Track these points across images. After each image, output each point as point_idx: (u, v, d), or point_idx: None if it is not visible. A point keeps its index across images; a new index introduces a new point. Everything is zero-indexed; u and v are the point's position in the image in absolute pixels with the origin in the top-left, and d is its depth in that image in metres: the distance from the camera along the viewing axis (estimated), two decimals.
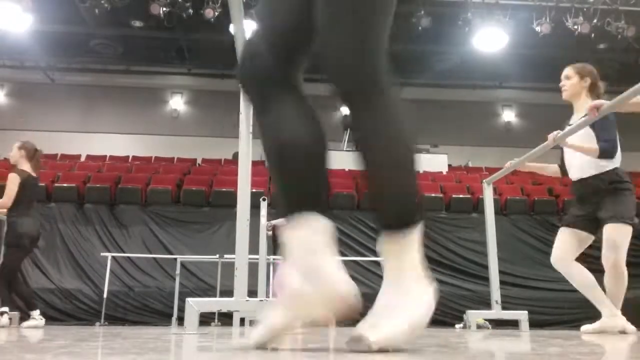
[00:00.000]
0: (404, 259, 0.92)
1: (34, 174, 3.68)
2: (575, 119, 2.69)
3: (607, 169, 2.55)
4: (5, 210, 3.57)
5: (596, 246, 2.68)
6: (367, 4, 0.90)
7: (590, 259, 2.81)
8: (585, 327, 2.64)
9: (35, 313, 3.53)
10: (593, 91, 2.67)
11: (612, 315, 2.52)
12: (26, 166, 3.65)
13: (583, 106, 2.63)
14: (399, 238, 0.92)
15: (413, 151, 0.96)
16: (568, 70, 2.70)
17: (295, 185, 0.95)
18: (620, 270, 2.49)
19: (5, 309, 3.53)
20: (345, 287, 0.88)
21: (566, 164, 2.75)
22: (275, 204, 0.91)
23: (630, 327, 2.53)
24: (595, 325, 2.57)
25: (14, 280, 3.49)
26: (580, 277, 2.60)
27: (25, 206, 3.53)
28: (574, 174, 2.67)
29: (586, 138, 2.56)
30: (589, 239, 2.65)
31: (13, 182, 3.48)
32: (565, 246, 2.65)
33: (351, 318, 0.88)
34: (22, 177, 3.54)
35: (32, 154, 3.70)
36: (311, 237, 0.92)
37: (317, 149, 0.97)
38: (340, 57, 0.92)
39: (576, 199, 2.70)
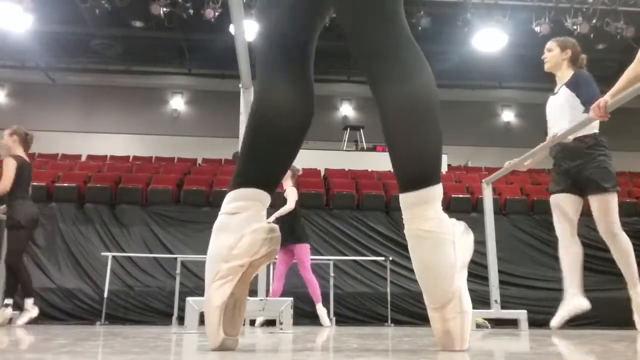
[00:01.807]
0: (433, 212, 0.91)
1: (27, 159, 3.71)
2: (557, 87, 2.77)
3: (586, 133, 2.59)
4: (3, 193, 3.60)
5: (596, 246, 2.69)
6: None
7: (587, 259, 2.83)
8: (553, 322, 2.67)
9: (29, 302, 3.52)
10: (575, 62, 2.73)
11: (573, 295, 2.61)
12: (20, 151, 3.68)
13: (564, 76, 2.72)
14: (415, 196, 0.90)
15: (437, 103, 0.96)
16: (549, 44, 2.80)
17: (261, 159, 0.95)
18: (619, 237, 2.50)
19: (10, 301, 3.55)
20: (262, 226, 0.91)
21: (549, 127, 2.79)
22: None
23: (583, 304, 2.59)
24: (559, 313, 2.62)
25: (20, 263, 3.50)
26: (566, 253, 2.67)
27: (22, 189, 3.57)
28: (555, 131, 2.69)
29: (571, 104, 2.61)
30: (579, 201, 2.67)
31: (11, 167, 3.52)
32: (562, 216, 2.68)
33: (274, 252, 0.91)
34: (18, 161, 3.58)
35: (24, 137, 3.74)
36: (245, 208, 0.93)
37: (297, 133, 0.98)
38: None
39: (556, 161, 2.75)
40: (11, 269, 3.48)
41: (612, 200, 2.52)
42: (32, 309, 3.53)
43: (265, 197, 0.95)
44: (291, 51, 0.99)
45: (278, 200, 4.23)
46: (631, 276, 2.50)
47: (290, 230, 4.12)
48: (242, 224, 0.92)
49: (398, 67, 0.92)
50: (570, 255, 2.68)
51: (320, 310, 4.38)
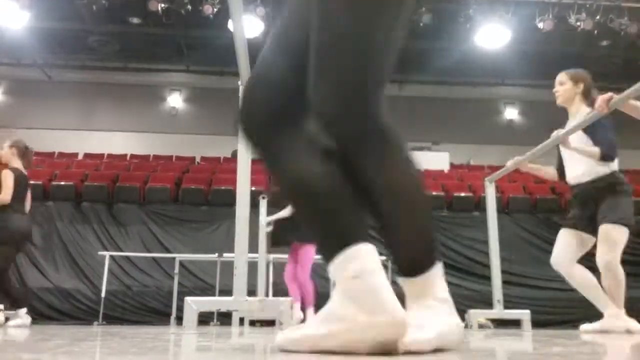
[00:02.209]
0: (428, 294, 0.91)
1: (25, 172, 3.68)
2: (570, 124, 2.71)
3: (606, 173, 2.55)
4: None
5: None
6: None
7: (589, 258, 2.78)
8: (584, 327, 2.63)
9: (22, 312, 3.49)
10: (587, 97, 2.68)
11: (613, 316, 2.51)
12: (17, 164, 3.66)
13: (577, 111, 2.67)
14: (420, 281, 0.91)
15: (422, 193, 0.94)
16: (561, 76, 2.73)
17: (330, 224, 0.88)
18: (614, 271, 2.47)
19: (0, 306, 3.53)
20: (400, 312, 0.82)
21: (565, 168, 2.75)
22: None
23: (636, 327, 2.51)
24: (596, 324, 2.56)
25: (2, 278, 3.44)
26: (581, 278, 2.59)
27: (18, 203, 3.54)
28: (572, 178, 2.68)
29: (581, 144, 2.57)
30: (590, 240, 2.63)
31: (9, 179, 3.49)
32: (566, 248, 2.65)
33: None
34: (15, 174, 3.56)
35: (23, 151, 3.71)
36: (365, 265, 0.87)
37: (336, 184, 0.90)
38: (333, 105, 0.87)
39: (575, 201, 2.71)
40: None
41: (617, 232, 2.47)
42: (24, 318, 3.48)
43: None
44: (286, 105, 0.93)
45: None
46: (618, 301, 2.49)
47: (296, 230, 4.06)
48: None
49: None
50: (574, 278, 2.61)
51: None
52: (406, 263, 0.93)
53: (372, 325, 0.78)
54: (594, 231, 2.59)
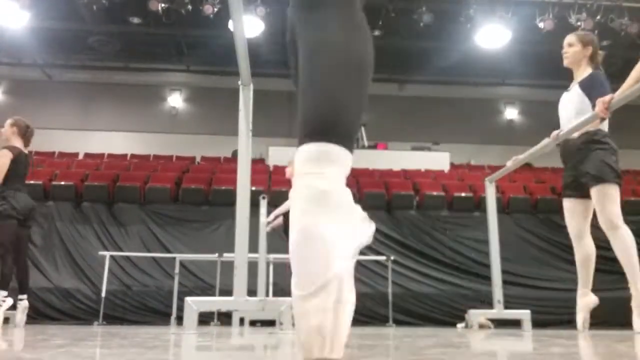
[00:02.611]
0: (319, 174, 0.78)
1: (25, 151, 3.68)
2: (574, 84, 2.74)
3: (590, 129, 2.55)
4: None
5: (599, 245, 2.64)
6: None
7: (602, 261, 2.78)
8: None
9: (2, 294, 3.47)
10: (593, 60, 2.70)
11: (582, 295, 2.62)
12: (18, 142, 3.66)
13: (582, 73, 2.68)
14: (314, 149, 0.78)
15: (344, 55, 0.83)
16: (571, 38, 2.74)
17: (355, 105, 0.82)
18: (620, 231, 2.44)
19: (24, 296, 3.54)
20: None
21: (561, 124, 2.77)
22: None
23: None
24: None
25: (6, 254, 3.44)
26: (578, 252, 2.67)
27: (18, 181, 3.54)
28: (563, 133, 2.70)
29: (580, 104, 2.58)
30: (587, 203, 2.62)
31: (5, 158, 3.49)
32: (569, 218, 2.68)
33: None
34: (14, 153, 3.55)
35: (24, 130, 3.71)
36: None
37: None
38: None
39: (562, 161, 2.74)
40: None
41: (611, 190, 2.45)
42: (1, 300, 3.46)
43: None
44: None
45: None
46: (632, 273, 2.43)
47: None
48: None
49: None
50: (578, 256, 2.69)
51: None
52: (302, 125, 0.79)
53: None
54: (586, 192, 2.57)
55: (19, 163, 3.54)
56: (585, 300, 2.64)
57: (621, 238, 2.42)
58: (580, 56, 2.67)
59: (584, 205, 2.62)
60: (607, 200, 2.44)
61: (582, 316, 2.64)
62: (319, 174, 0.75)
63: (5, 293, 3.47)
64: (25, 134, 3.69)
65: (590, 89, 2.55)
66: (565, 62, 2.73)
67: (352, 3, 0.88)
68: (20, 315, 3.51)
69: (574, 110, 2.61)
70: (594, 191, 2.48)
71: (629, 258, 2.42)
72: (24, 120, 3.75)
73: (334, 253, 0.72)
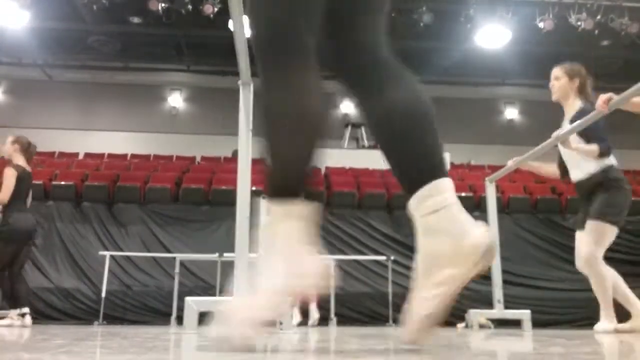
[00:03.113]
0: (435, 210, 0.92)
1: (28, 169, 3.66)
2: (566, 119, 2.72)
3: (601, 169, 2.56)
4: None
5: (615, 249, 2.66)
6: None
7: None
8: (618, 326, 2.59)
9: (14, 313, 3.47)
10: (582, 91, 2.69)
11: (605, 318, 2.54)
12: (20, 160, 3.65)
13: (572, 107, 2.68)
14: (423, 194, 0.93)
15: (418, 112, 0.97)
16: (557, 71, 2.73)
17: (299, 164, 0.92)
18: (595, 269, 2.49)
19: (26, 309, 3.51)
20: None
21: (567, 166, 2.77)
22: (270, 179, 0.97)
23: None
24: (627, 325, 2.56)
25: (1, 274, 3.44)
26: (604, 277, 2.59)
27: (21, 201, 3.54)
28: (573, 175, 2.71)
29: (576, 139, 2.59)
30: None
31: (10, 177, 3.48)
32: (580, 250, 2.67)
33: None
34: (18, 171, 3.54)
35: (26, 147, 3.70)
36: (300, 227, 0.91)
37: (324, 130, 0.95)
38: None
39: (578, 200, 2.75)
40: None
41: (604, 230, 2.48)
42: (16, 319, 3.47)
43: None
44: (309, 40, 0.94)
45: None
46: (605, 302, 2.51)
47: None
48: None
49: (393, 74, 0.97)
50: (599, 276, 2.60)
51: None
52: (407, 179, 0.94)
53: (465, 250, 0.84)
54: None
55: (22, 182, 3.53)
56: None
57: (597, 278, 2.49)
58: (568, 89, 2.67)
59: None
60: (597, 238, 2.48)
61: None
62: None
63: (17, 311, 3.46)
64: (27, 150, 3.68)
65: (593, 133, 2.52)
66: (553, 97, 2.73)
67: (283, 66, 0.91)
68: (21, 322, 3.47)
69: (574, 152, 2.59)
70: (589, 224, 2.52)
71: (603, 294, 2.50)
72: (26, 137, 3.74)
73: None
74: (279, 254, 0.90)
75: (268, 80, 0.92)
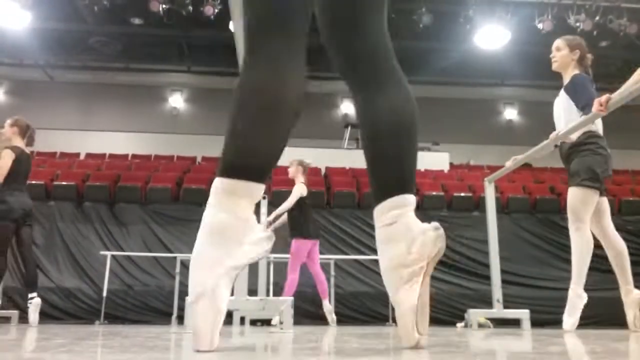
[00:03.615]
0: (404, 221, 0.97)
1: (27, 151, 3.67)
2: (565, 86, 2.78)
3: (584, 135, 2.59)
4: None
5: (596, 244, 2.67)
6: None
7: (600, 260, 2.80)
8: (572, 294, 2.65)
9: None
10: (581, 63, 2.73)
11: (628, 292, 2.56)
12: (19, 142, 3.65)
13: (569, 77, 2.71)
14: (387, 205, 0.97)
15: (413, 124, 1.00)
16: (559, 42, 2.78)
17: (259, 145, 0.91)
18: (576, 234, 2.51)
19: (34, 294, 3.52)
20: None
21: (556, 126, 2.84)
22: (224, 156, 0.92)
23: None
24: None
25: (3, 254, 3.46)
26: (608, 249, 2.63)
27: (19, 181, 3.54)
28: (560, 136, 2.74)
29: (567, 107, 2.63)
30: (601, 199, 2.63)
31: (7, 158, 3.49)
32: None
33: None
34: (16, 152, 3.55)
35: (25, 130, 3.70)
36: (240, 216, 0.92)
37: (296, 115, 0.94)
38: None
39: (563, 162, 2.79)
40: None
41: (582, 194, 2.50)
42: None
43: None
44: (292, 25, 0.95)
45: (282, 198, 4.22)
46: (578, 274, 2.55)
47: (290, 225, 4.18)
48: None
49: (388, 75, 0.99)
50: (609, 254, 2.65)
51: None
52: (375, 188, 0.98)
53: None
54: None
55: (21, 163, 3.54)
56: (632, 297, 2.57)
57: (578, 241, 2.51)
58: (568, 60, 2.71)
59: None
60: (576, 202, 2.51)
61: (632, 313, 2.57)
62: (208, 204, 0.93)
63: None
64: (26, 133, 3.69)
65: (573, 93, 2.60)
66: (553, 66, 2.77)
67: (251, 47, 0.93)
68: (34, 314, 3.49)
69: (563, 114, 2.66)
70: (569, 191, 2.55)
71: (578, 259, 2.52)
72: (24, 120, 3.74)
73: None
74: (220, 230, 0.92)
75: (244, 61, 0.95)
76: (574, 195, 2.53)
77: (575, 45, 2.72)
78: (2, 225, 3.44)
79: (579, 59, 2.71)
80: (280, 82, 0.92)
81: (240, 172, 0.90)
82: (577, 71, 2.69)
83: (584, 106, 2.49)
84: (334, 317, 4.57)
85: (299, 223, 4.29)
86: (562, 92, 2.70)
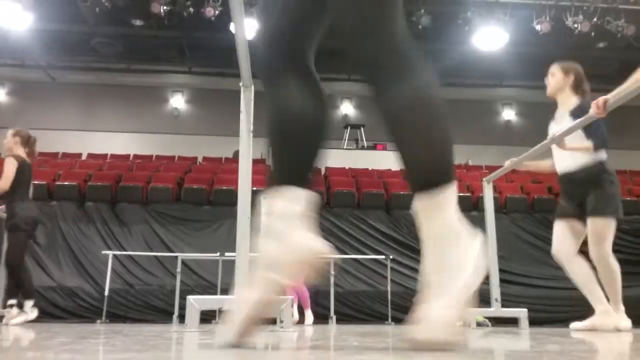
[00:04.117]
0: (441, 218, 0.89)
1: (28, 160, 3.69)
2: (559, 113, 2.78)
3: (592, 163, 2.60)
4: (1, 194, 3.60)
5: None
6: None
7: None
8: (574, 325, 2.68)
9: (29, 304, 3.48)
10: (577, 87, 2.73)
11: (604, 313, 2.55)
12: (21, 152, 3.67)
13: (567, 101, 2.72)
14: (429, 199, 0.89)
15: (442, 108, 0.95)
16: (553, 68, 2.80)
17: (287, 160, 1.00)
18: (605, 263, 2.52)
19: (14, 301, 3.53)
20: (311, 246, 0.90)
21: (554, 159, 2.82)
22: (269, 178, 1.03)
23: (626, 325, 2.54)
24: (586, 322, 2.61)
25: (21, 264, 3.47)
26: (579, 271, 2.64)
27: (23, 190, 3.55)
28: (563, 165, 2.73)
29: (575, 136, 2.62)
30: (583, 230, 2.67)
31: (11, 166, 3.49)
32: (562, 238, 2.70)
33: (316, 278, 0.89)
34: (18, 161, 3.56)
35: (27, 140, 3.72)
36: (286, 206, 0.95)
37: (316, 129, 1.01)
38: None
39: (563, 191, 2.77)
40: (12, 270, 3.46)
41: (608, 226, 2.54)
42: (30, 312, 3.48)
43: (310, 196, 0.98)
44: (292, 48, 1.00)
45: None
46: (615, 295, 2.55)
47: None
48: (287, 231, 0.92)
49: (404, 64, 0.94)
50: (573, 270, 2.66)
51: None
52: (414, 177, 0.91)
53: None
54: (584, 221, 2.63)
55: (24, 173, 3.55)
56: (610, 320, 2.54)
57: (608, 272, 2.53)
58: (562, 84, 2.71)
59: (577, 230, 2.66)
60: (603, 235, 2.52)
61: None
62: None
63: (31, 302, 3.47)
64: (28, 143, 3.70)
65: (587, 129, 2.57)
66: (548, 92, 2.77)
67: None
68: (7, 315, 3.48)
69: (569, 139, 2.63)
70: (591, 222, 2.55)
71: (611, 288, 2.54)
72: (26, 130, 3.76)
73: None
74: (273, 233, 0.93)
75: (263, 85, 1.02)
76: (605, 225, 2.53)
77: (569, 69, 2.73)
78: (15, 236, 3.45)
79: (574, 84, 2.71)
80: (293, 107, 0.99)
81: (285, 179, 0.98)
82: (573, 97, 2.69)
83: (596, 147, 2.53)
84: (312, 321, 4.65)
85: None
86: (566, 119, 2.65)
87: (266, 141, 1.02)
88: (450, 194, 0.90)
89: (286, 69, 1.01)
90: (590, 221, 2.56)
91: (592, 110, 2.30)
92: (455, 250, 0.89)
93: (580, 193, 2.63)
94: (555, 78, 2.74)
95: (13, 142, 3.67)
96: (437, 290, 0.87)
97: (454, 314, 0.85)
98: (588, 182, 2.59)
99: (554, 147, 2.78)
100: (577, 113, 2.59)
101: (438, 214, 0.89)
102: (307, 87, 1.02)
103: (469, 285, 0.87)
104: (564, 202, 2.74)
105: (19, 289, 3.49)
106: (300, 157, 1.01)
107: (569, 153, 2.66)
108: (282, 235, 0.92)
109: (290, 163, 1.00)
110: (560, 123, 2.71)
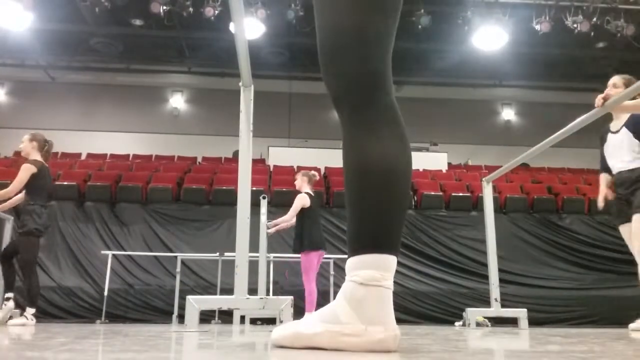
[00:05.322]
0: (350, 282, 0.87)
1: (46, 164, 3.69)
2: (615, 125, 2.87)
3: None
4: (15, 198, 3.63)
5: (595, 244, 2.72)
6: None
7: (586, 257, 2.84)
8: (633, 325, 2.76)
9: (30, 312, 3.45)
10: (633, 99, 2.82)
11: None
12: (38, 157, 3.66)
13: (622, 115, 2.82)
14: (351, 262, 0.88)
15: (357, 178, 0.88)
16: (617, 79, 2.83)
17: (397, 222, 0.87)
18: None
19: (10, 294, 3.53)
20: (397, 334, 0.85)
21: (608, 159, 2.91)
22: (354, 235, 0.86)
23: None
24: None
25: (33, 269, 3.46)
26: None
27: (42, 196, 3.55)
28: (616, 166, 2.85)
29: (630, 141, 2.76)
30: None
31: (25, 172, 3.48)
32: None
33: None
34: (37, 166, 3.54)
35: (43, 144, 3.73)
36: (390, 284, 0.88)
37: (409, 182, 0.92)
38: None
39: (616, 188, 2.89)
40: (24, 273, 3.44)
41: None
42: (30, 319, 3.44)
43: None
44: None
45: (281, 198, 4.18)
46: None
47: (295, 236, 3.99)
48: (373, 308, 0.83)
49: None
50: None
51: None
52: (348, 239, 0.88)
53: (367, 334, 0.82)
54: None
55: (42, 177, 3.53)
56: None
57: None
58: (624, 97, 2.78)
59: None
60: None
61: None
62: None
63: (33, 310, 3.45)
64: (44, 147, 3.71)
65: (637, 129, 2.73)
66: (607, 103, 2.70)
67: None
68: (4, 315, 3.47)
69: (627, 148, 2.78)
70: (635, 218, 2.66)
71: None
72: (42, 135, 3.76)
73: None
74: (360, 309, 0.84)
75: (348, 131, 0.91)
76: None
77: (630, 81, 2.77)
78: (29, 241, 3.44)
79: (633, 98, 2.76)
80: (398, 156, 0.90)
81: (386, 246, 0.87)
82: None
83: None
84: None
85: (304, 235, 3.93)
86: (622, 130, 2.79)
87: (353, 189, 0.87)
88: (363, 264, 0.86)
89: (387, 105, 0.90)
90: (634, 217, 2.66)
91: (597, 102, 2.42)
92: (336, 305, 0.87)
93: (630, 190, 2.75)
94: (617, 91, 2.76)
95: (30, 147, 3.66)
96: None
97: (291, 333, 0.90)
98: (633, 181, 2.73)
99: (610, 148, 2.88)
100: (630, 124, 2.75)
101: (348, 279, 0.88)
102: (400, 129, 0.92)
103: (304, 331, 0.89)
104: (616, 206, 2.87)
105: (28, 293, 3.45)
106: (403, 217, 0.88)
107: (624, 155, 2.77)
108: (385, 321, 0.84)
109: (399, 226, 0.87)
110: (618, 135, 2.82)
